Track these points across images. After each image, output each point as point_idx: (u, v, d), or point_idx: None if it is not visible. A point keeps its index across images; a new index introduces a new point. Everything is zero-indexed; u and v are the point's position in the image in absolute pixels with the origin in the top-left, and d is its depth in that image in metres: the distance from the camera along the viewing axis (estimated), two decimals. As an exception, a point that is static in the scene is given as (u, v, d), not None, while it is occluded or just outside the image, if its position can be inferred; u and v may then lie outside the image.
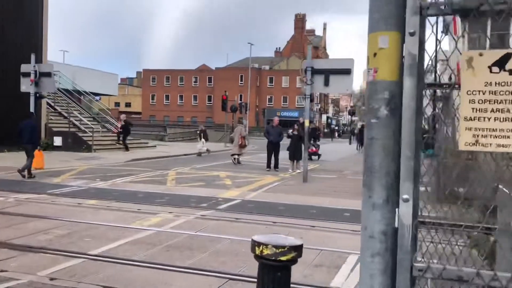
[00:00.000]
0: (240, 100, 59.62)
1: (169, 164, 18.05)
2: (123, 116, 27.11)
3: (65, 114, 24.60)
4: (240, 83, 74.73)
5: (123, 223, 7.54)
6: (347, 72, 12.97)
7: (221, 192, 11.19)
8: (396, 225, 1.70)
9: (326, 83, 13.09)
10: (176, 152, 25.10)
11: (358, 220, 7.08)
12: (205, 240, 6.55)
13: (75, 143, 22.55)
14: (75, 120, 24.35)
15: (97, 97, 45.27)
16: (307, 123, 13.78)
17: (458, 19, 7.28)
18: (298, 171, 16.05)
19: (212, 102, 78.25)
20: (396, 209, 1.70)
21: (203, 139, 24.02)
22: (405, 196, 1.68)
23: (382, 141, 1.69)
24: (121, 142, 24.28)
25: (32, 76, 15.21)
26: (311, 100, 13.71)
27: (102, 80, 37.02)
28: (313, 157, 21.70)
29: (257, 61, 79.69)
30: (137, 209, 8.70)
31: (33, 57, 15.37)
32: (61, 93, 26.57)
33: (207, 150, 23.86)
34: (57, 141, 22.63)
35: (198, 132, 27.19)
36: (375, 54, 1.71)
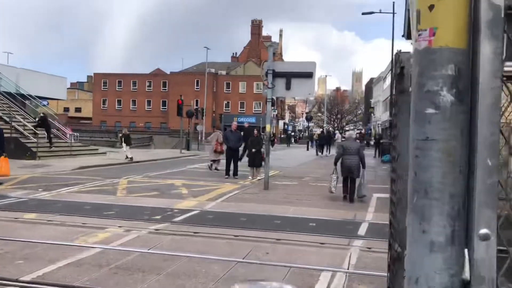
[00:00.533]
0: (196, 105, 58.66)
1: (119, 172, 16.96)
2: (40, 110, 25.38)
3: (7, 119, 22.81)
4: (196, 88, 73.57)
5: (65, 240, 6.61)
6: (309, 75, 12.54)
7: (176, 203, 10.37)
8: (466, 276, 1.08)
9: (288, 86, 12.59)
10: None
11: (324, 230, 6.48)
12: (159, 260, 5.77)
13: (18, 149, 20.86)
14: (18, 125, 22.65)
15: (45, 102, 42.86)
16: (268, 128, 13.22)
17: None
18: (259, 178, 15.45)
19: (166, 107, 76.50)
20: (465, 251, 1.08)
21: (124, 144, 22.66)
22: (483, 231, 1.05)
23: (444, 144, 1.06)
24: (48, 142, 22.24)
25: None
26: (272, 105, 13.17)
27: (49, 84, 34.94)
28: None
29: (213, 66, 78.84)
30: (82, 223, 7.76)
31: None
32: (2, 96, 24.77)
33: (130, 158, 22.27)
34: (-3, 147, 20.85)
35: (120, 136, 25.82)
36: (431, 7, 1.08)
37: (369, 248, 6.65)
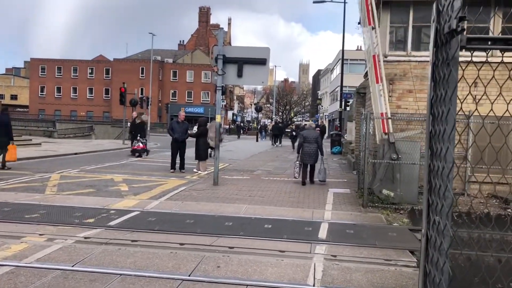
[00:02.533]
0: (141, 94, 56.38)
1: (53, 166, 15.34)
2: None
3: None
4: (141, 76, 70.78)
5: (-34, 256, 5.32)
6: (262, 62, 11.61)
7: (114, 202, 9.16)
8: None
9: (240, 73, 11.62)
10: (65, 150, 22.01)
11: (281, 233, 5.50)
12: (85, 280, 4.65)
13: None
14: None
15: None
16: (218, 119, 12.21)
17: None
18: (206, 172, 14.43)
19: (110, 95, 73.17)
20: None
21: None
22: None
23: None
24: None
25: None
26: (222, 94, 12.13)
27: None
28: (137, 154, 20.18)
29: (159, 54, 76.29)
30: (-6, 232, 6.44)
31: None
32: None
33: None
34: None
35: None
36: None
37: (334, 256, 5.86)
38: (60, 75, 75.75)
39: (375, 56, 11.02)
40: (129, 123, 24.34)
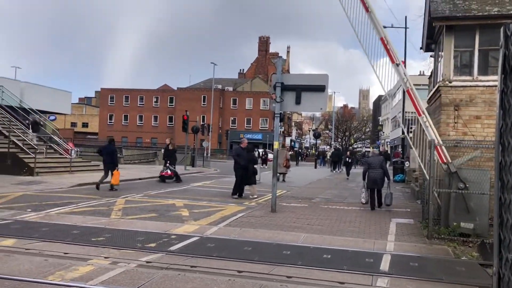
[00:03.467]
0: (203, 121, 57.97)
1: (119, 190, 16.02)
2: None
3: (6, 133, 22.04)
4: (203, 104, 73.02)
5: (37, 275, 5.63)
6: (321, 89, 11.60)
7: (175, 227, 9.37)
8: None
9: (298, 101, 11.66)
10: (131, 175, 22.92)
11: (340, 264, 5.32)
12: (146, 305, 4.76)
13: (15, 165, 20.09)
14: (17, 139, 21.85)
15: (52, 116, 42.26)
16: (276, 145, 12.26)
17: None
18: (255, 196, 14.76)
19: (173, 123, 75.99)
20: None
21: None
22: None
23: None
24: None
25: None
26: (280, 120, 12.21)
27: (54, 98, 34.25)
28: (167, 180, 20.34)
29: (220, 82, 78.47)
30: (64, 253, 6.78)
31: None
32: (3, 110, 24.07)
33: None
34: (-7, 163, 20.10)
35: None
36: None
37: (397, 290, 5.60)
38: (128, 104, 79.92)
39: (408, 90, 11.02)
40: (162, 150, 24.54)
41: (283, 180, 22.28)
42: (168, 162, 20.83)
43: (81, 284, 5.32)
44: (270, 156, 35.03)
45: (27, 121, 24.34)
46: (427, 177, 9.99)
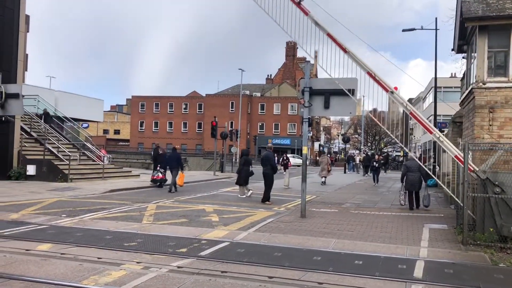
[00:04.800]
0: (231, 127, 58.30)
1: (150, 196, 16.26)
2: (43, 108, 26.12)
3: (41, 141, 22.76)
4: (231, 110, 73.48)
5: (72, 279, 5.76)
6: (350, 93, 11.47)
7: (205, 232, 9.43)
8: None
9: (326, 105, 11.58)
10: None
11: (372, 270, 5.14)
12: (178, 309, 4.80)
13: (51, 172, 20.69)
14: (52, 147, 22.51)
15: (85, 124, 43.40)
16: (305, 150, 12.18)
17: None
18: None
19: (202, 129, 76.82)
20: None
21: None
22: None
23: None
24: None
25: (-3, 97, 13.66)
26: (309, 125, 12.15)
27: (87, 106, 35.25)
28: (158, 183, 20.23)
29: (248, 88, 78.81)
30: (97, 258, 6.92)
31: (-1, 77, 13.85)
32: (38, 118, 24.86)
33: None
34: (30, 169, 20.73)
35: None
36: None
37: (432, 297, 5.45)
38: (158, 111, 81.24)
39: (412, 113, 11.27)
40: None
41: (324, 183, 24.26)
42: (159, 165, 20.54)
43: (114, 289, 5.41)
44: (292, 161, 34.50)
45: (41, 113, 25.26)
46: (462, 181, 9.71)
